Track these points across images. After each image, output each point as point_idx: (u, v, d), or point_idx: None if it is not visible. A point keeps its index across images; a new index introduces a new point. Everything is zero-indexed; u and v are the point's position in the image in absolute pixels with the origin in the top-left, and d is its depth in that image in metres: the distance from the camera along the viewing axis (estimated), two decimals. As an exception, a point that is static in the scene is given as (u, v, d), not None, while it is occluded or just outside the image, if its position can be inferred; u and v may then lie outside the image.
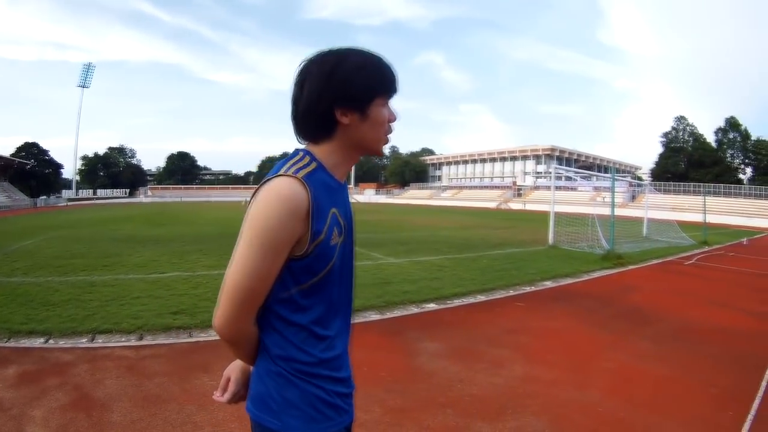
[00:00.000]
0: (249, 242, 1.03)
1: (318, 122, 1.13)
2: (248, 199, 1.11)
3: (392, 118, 1.20)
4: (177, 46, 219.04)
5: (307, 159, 1.12)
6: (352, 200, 1.30)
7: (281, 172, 1.06)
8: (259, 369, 1.15)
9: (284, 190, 1.02)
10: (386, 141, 1.22)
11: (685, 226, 22.11)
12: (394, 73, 1.18)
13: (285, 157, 1.16)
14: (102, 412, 3.15)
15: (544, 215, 16.19)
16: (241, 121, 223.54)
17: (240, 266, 1.04)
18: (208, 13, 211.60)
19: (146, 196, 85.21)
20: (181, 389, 3.52)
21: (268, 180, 1.05)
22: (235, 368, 1.26)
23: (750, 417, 3.46)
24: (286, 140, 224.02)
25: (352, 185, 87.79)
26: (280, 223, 1.01)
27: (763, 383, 4.13)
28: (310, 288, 1.11)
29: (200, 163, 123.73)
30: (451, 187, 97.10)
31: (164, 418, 3.11)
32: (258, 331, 1.15)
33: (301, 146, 1.19)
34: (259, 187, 1.06)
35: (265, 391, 1.12)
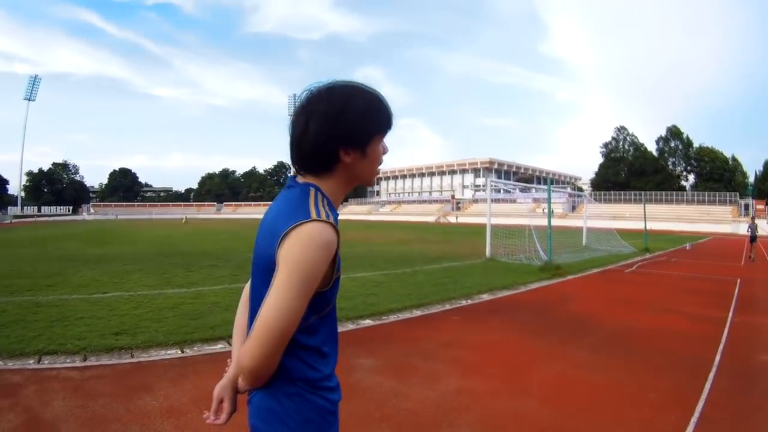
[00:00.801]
0: (289, 286, 1.13)
1: (323, 160, 1.28)
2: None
3: (385, 150, 1.38)
4: (121, 59, 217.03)
5: (320, 196, 1.27)
6: None
7: (313, 216, 1.18)
8: (274, 390, 1.26)
9: (323, 237, 1.16)
10: (378, 172, 1.40)
11: (626, 234, 23.36)
12: (391, 111, 1.35)
13: (284, 182, 1.35)
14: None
15: (482, 228, 16.61)
16: (181, 137, 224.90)
17: (279, 309, 1.14)
18: (153, 26, 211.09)
19: (89, 214, 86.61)
20: (125, 409, 3.66)
21: (303, 224, 1.16)
22: (226, 388, 1.38)
23: (693, 420, 3.61)
24: (227, 158, 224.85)
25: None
26: (319, 267, 1.15)
27: (707, 385, 4.36)
28: (325, 314, 1.30)
29: (141, 179, 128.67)
30: (390, 202, 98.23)
31: (111, 438, 3.27)
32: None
33: (297, 175, 1.35)
34: (291, 229, 1.16)
35: (281, 410, 1.25)
